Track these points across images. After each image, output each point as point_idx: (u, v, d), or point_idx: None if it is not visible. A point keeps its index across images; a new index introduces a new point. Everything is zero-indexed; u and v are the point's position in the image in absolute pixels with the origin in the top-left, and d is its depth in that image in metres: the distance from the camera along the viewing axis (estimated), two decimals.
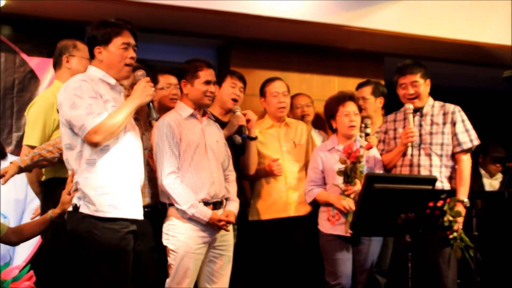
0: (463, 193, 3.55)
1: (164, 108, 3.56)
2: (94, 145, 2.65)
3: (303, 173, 3.91)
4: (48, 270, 3.41)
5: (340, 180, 3.57)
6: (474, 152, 3.73)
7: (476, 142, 3.65)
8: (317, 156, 3.75)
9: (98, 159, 2.69)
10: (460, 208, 3.45)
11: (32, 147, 3.26)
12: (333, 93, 4.10)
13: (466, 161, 3.63)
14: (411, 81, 3.68)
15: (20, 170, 3.08)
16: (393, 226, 3.10)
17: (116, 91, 2.86)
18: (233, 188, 3.44)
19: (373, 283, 3.80)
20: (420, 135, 3.66)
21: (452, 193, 3.53)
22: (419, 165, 3.62)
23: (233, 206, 3.37)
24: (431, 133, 3.65)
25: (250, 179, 3.95)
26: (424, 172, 3.60)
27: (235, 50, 4.93)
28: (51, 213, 2.90)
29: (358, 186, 3.51)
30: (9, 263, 4.21)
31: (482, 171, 5.26)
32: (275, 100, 3.95)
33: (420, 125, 3.69)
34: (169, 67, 3.91)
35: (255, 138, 3.77)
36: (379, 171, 3.74)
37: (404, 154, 3.68)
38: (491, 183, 5.22)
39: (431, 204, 3.13)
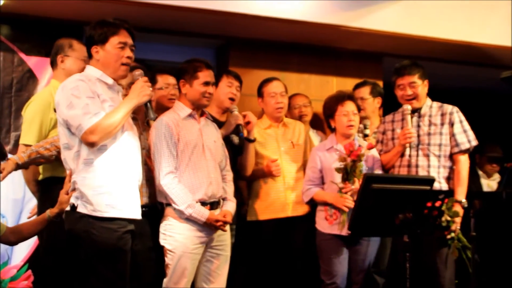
0: (461, 194, 3.56)
1: (162, 108, 3.56)
2: (91, 145, 2.66)
3: (301, 173, 3.91)
4: (45, 270, 3.41)
5: (338, 178, 3.57)
6: (471, 153, 3.74)
7: (474, 142, 3.65)
8: (315, 155, 3.76)
9: (96, 158, 2.69)
10: (458, 208, 3.45)
11: (29, 146, 3.26)
12: (331, 93, 4.09)
13: (464, 161, 3.63)
14: (409, 82, 3.68)
15: (18, 167, 3.08)
16: (391, 226, 3.10)
17: (114, 90, 2.86)
18: (230, 188, 3.44)
19: (371, 283, 3.80)
20: (418, 135, 3.67)
21: (450, 193, 3.53)
22: (417, 166, 3.63)
23: (230, 206, 3.37)
24: (429, 134, 3.66)
25: (246, 180, 3.96)
26: (422, 172, 3.60)
27: (233, 50, 4.93)
28: (49, 212, 2.90)
29: (356, 184, 3.51)
30: (7, 263, 4.21)
31: (480, 172, 5.26)
32: (273, 100, 3.96)
33: (418, 126, 3.69)
34: (168, 67, 3.91)
35: (253, 140, 3.77)
36: (378, 170, 3.74)
37: (402, 155, 3.68)
38: (489, 184, 5.22)
39: (429, 204, 3.14)
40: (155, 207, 3.27)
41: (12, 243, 3.04)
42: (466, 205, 3.50)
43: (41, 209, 3.33)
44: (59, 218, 2.85)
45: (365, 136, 4.10)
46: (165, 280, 3.20)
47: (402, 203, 3.07)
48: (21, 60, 4.38)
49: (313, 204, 3.78)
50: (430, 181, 3.20)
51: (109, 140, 2.71)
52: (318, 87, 5.11)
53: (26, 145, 3.31)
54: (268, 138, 3.96)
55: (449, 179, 3.64)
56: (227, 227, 3.31)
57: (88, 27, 2.85)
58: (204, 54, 4.62)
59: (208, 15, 4.32)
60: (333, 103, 3.73)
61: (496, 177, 5.26)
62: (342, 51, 5.19)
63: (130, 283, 2.78)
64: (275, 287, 3.80)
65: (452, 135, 3.64)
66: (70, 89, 2.69)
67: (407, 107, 3.69)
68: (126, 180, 2.78)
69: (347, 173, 3.53)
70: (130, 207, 2.79)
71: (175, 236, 3.18)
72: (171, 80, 3.70)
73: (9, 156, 3.10)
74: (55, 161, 3.16)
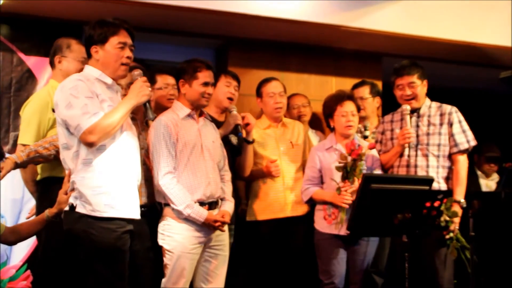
0: (460, 194, 3.56)
1: (161, 108, 3.57)
2: (90, 145, 2.66)
3: (301, 173, 3.91)
4: (43, 269, 3.41)
5: (338, 177, 3.57)
6: (470, 153, 3.74)
7: (473, 143, 3.66)
8: (314, 155, 3.76)
9: (95, 158, 2.69)
10: (456, 208, 3.45)
11: (27, 146, 3.25)
12: (330, 93, 4.08)
13: (462, 161, 3.64)
14: (408, 82, 3.68)
15: (16, 166, 3.08)
16: (390, 226, 3.11)
17: (113, 90, 2.86)
18: (228, 188, 3.44)
19: (370, 283, 3.80)
20: (417, 136, 3.67)
21: (449, 193, 3.53)
22: (416, 166, 3.63)
23: (228, 206, 3.37)
24: (428, 134, 3.66)
25: (245, 180, 3.96)
26: (421, 172, 3.61)
27: (233, 50, 4.93)
28: (48, 212, 2.90)
29: (356, 184, 3.50)
30: (6, 263, 4.21)
31: (479, 172, 5.26)
32: (272, 100, 3.96)
33: (417, 126, 3.69)
34: (167, 67, 3.91)
35: (252, 142, 3.77)
36: (378, 170, 3.74)
37: (401, 155, 3.68)
38: (488, 184, 5.22)
39: (428, 204, 3.14)
40: (154, 207, 3.27)
41: (11, 243, 3.04)
42: (465, 205, 3.51)
43: (39, 209, 3.33)
44: (58, 218, 2.85)
45: (365, 137, 4.10)
46: (163, 280, 3.20)
47: (401, 203, 3.07)
48: (20, 60, 4.38)
49: (312, 203, 3.78)
50: (429, 181, 3.20)
51: (108, 140, 2.71)
52: (317, 87, 5.11)
53: (24, 145, 3.31)
54: (267, 138, 3.96)
55: (448, 179, 3.64)
56: (226, 227, 3.31)
57: (88, 27, 2.85)
58: (203, 54, 4.61)
59: (207, 15, 4.32)
60: (332, 103, 3.73)
61: (495, 177, 5.27)
62: (342, 51, 5.19)
63: (129, 283, 2.78)
64: (274, 287, 3.80)
65: (451, 135, 3.64)
66: (69, 89, 2.69)
67: (406, 107, 3.69)
68: (125, 180, 2.78)
69: (347, 172, 3.52)
70: (129, 207, 2.79)
71: (174, 236, 3.18)
72: (170, 80, 3.70)
73: (8, 155, 3.10)
74: (54, 160, 3.16)
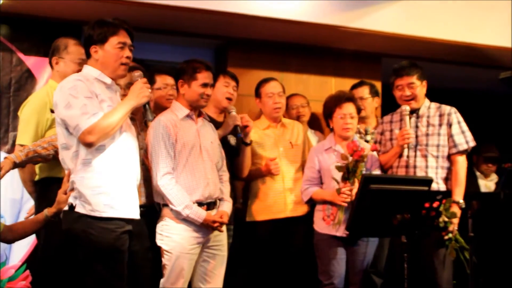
0: (459, 194, 3.57)
1: (160, 108, 3.56)
2: (88, 145, 2.66)
3: (300, 174, 3.91)
4: (42, 269, 3.41)
5: (338, 176, 3.56)
6: (468, 153, 3.74)
7: (472, 143, 3.66)
8: (313, 155, 3.76)
9: (94, 158, 2.69)
10: (455, 209, 3.46)
11: (25, 147, 3.25)
12: (330, 93, 4.08)
13: (461, 162, 3.64)
14: (408, 82, 3.68)
15: (15, 165, 3.08)
16: (389, 227, 3.11)
17: (112, 90, 2.86)
18: (226, 189, 3.44)
19: (369, 283, 3.80)
20: (416, 136, 3.67)
21: (448, 194, 3.53)
22: (415, 167, 3.63)
23: (227, 207, 3.37)
24: (427, 135, 3.66)
25: (244, 180, 3.96)
26: (420, 173, 3.61)
27: (232, 51, 4.93)
28: (47, 212, 2.90)
29: (356, 185, 3.48)
30: (5, 263, 4.21)
31: (477, 172, 5.26)
32: (271, 100, 3.96)
33: (416, 127, 3.69)
34: (166, 68, 3.91)
35: (249, 144, 3.77)
36: (377, 170, 3.74)
37: (400, 156, 3.68)
38: (487, 185, 5.22)
39: (427, 205, 3.14)
40: (153, 207, 3.27)
41: (9, 241, 3.04)
42: (463, 206, 3.52)
43: (38, 209, 3.33)
44: (57, 217, 2.86)
45: (366, 141, 4.09)
46: (162, 280, 3.20)
47: (400, 203, 3.07)
48: (19, 60, 4.38)
49: (312, 203, 3.78)
50: (428, 181, 3.20)
51: (108, 140, 2.71)
52: (317, 88, 5.11)
53: (22, 145, 3.30)
54: (266, 138, 3.96)
55: (447, 179, 3.64)
56: (224, 228, 3.31)
57: (87, 27, 2.85)
58: (202, 54, 4.62)
59: (206, 15, 4.32)
60: (331, 105, 3.73)
61: (494, 177, 5.27)
62: (341, 52, 5.19)
63: (128, 283, 2.78)
64: (274, 287, 3.80)
65: (450, 136, 3.64)
66: (68, 89, 2.69)
67: (406, 108, 3.69)
68: (125, 180, 2.78)
69: (348, 173, 3.52)
70: (129, 207, 2.79)
71: (172, 237, 3.18)
72: (170, 80, 3.70)
73: (6, 155, 3.10)
74: (52, 160, 3.16)
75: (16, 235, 2.98)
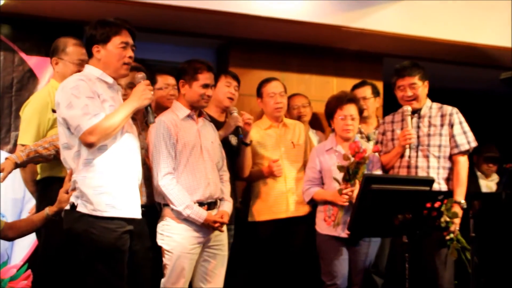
0: (460, 194, 3.56)
1: (161, 108, 3.57)
2: (89, 145, 2.66)
3: (302, 174, 3.90)
4: (43, 268, 3.41)
5: (339, 176, 3.56)
6: (470, 154, 3.74)
7: (474, 144, 3.65)
8: (315, 156, 3.76)
9: (96, 158, 2.69)
10: (457, 209, 3.45)
11: (27, 146, 3.25)
12: (331, 93, 4.10)
13: (463, 162, 3.63)
14: (410, 83, 3.68)
15: (16, 166, 3.08)
16: (390, 227, 3.11)
17: (114, 90, 2.86)
18: (226, 188, 3.44)
19: (370, 283, 3.80)
20: (418, 136, 3.66)
21: (449, 194, 3.53)
22: (416, 167, 3.63)
23: (227, 207, 3.37)
24: (429, 135, 3.66)
25: (245, 180, 3.97)
26: (421, 173, 3.60)
27: (234, 51, 4.94)
28: (48, 210, 2.90)
29: (357, 186, 3.48)
30: (6, 262, 4.22)
31: (478, 173, 5.26)
32: (272, 100, 3.95)
33: (418, 127, 3.69)
34: (167, 68, 3.92)
35: (249, 144, 3.77)
36: (378, 170, 3.74)
37: (402, 156, 3.68)
38: (488, 185, 5.22)
39: (428, 205, 3.14)
40: (154, 207, 3.27)
41: (10, 239, 3.04)
42: (465, 206, 3.52)
43: (39, 208, 3.32)
44: (58, 216, 2.86)
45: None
46: (163, 280, 3.20)
47: (402, 203, 3.07)
48: (21, 60, 4.39)
49: (314, 204, 3.78)
50: (429, 182, 3.20)
51: (110, 140, 2.71)
52: (318, 88, 5.12)
53: (24, 145, 3.29)
54: (268, 138, 3.96)
55: (448, 180, 3.64)
56: (224, 227, 3.31)
57: (89, 26, 2.84)
58: (204, 54, 4.62)
59: (208, 15, 4.33)
60: (332, 105, 3.73)
61: (495, 177, 5.27)
62: (343, 52, 5.19)
63: (129, 283, 2.79)
64: (277, 287, 3.80)
65: (452, 136, 3.64)
66: (70, 88, 2.69)
67: (407, 108, 3.68)
68: (127, 180, 2.78)
69: (349, 174, 3.52)
70: (130, 207, 2.79)
71: (173, 237, 3.19)
72: (171, 80, 3.70)
73: (8, 155, 3.10)
74: (53, 160, 3.16)
75: (17, 232, 2.99)
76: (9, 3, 4.10)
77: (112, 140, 2.73)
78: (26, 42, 4.40)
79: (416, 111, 3.71)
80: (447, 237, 3.43)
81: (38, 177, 3.45)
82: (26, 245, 4.17)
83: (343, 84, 5.01)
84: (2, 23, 4.34)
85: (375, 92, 4.43)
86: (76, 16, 4.29)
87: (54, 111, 3.25)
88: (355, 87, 4.47)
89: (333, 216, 3.60)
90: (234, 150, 3.79)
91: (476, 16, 5.03)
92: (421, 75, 3.70)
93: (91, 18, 2.94)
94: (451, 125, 3.64)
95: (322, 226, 3.66)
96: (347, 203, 3.50)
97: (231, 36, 4.86)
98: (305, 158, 3.97)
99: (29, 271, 4.21)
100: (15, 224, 3.06)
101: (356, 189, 3.45)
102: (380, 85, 4.99)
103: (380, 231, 3.32)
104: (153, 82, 3.32)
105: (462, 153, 3.63)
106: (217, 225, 3.22)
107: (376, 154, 3.79)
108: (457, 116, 3.67)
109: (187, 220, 3.18)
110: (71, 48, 3.48)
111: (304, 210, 3.87)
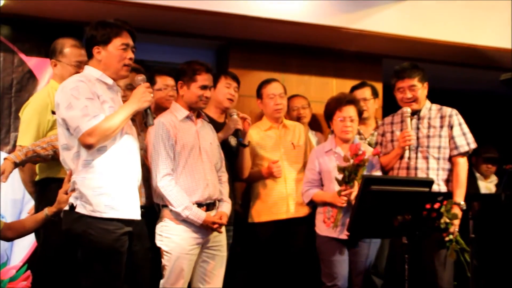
0: (460, 196, 3.56)
1: (160, 108, 3.57)
2: (88, 147, 2.66)
3: (302, 175, 3.90)
4: (42, 269, 3.41)
5: (341, 176, 3.56)
6: (469, 155, 3.74)
7: (473, 145, 3.66)
8: (314, 157, 3.76)
9: (96, 159, 2.69)
10: (456, 210, 3.45)
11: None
12: (331, 95, 4.10)
13: (463, 164, 3.64)
14: (409, 85, 3.68)
15: (15, 165, 3.08)
16: (389, 228, 3.11)
17: (114, 91, 2.86)
18: (225, 189, 3.45)
19: (370, 284, 3.80)
20: (418, 138, 3.67)
21: (449, 195, 3.53)
22: (416, 168, 3.63)
23: (226, 208, 3.38)
24: (428, 136, 3.66)
25: (245, 181, 3.97)
26: (421, 175, 3.61)
27: (234, 52, 4.94)
28: (47, 211, 2.91)
29: (356, 188, 3.49)
30: (6, 263, 4.21)
31: (477, 174, 5.26)
32: (272, 102, 3.96)
33: (418, 128, 3.69)
34: (167, 68, 3.91)
35: (247, 145, 3.77)
36: (378, 172, 3.74)
37: (402, 157, 3.68)
38: (487, 186, 5.22)
39: (427, 206, 3.15)
40: (153, 208, 3.28)
41: (9, 239, 3.05)
42: (464, 207, 3.52)
43: (38, 209, 3.33)
44: (57, 217, 2.86)
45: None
46: (162, 281, 3.20)
47: (401, 205, 3.07)
48: (21, 61, 4.39)
49: (314, 205, 3.78)
50: (428, 183, 3.21)
51: (109, 141, 2.71)
52: (318, 89, 5.12)
53: (22, 147, 3.30)
54: (268, 139, 3.96)
55: (448, 181, 3.64)
56: (223, 228, 3.32)
57: (89, 27, 2.84)
58: (204, 55, 4.63)
59: (208, 16, 4.33)
60: (332, 107, 3.73)
61: (493, 178, 5.26)
62: (342, 53, 5.19)
63: (128, 284, 2.79)
64: None
65: (451, 137, 3.64)
66: (70, 89, 2.69)
67: (407, 110, 3.69)
68: (126, 181, 2.78)
69: (348, 176, 3.52)
70: (130, 208, 2.79)
71: (172, 238, 3.19)
72: (170, 81, 3.70)
73: (6, 155, 3.10)
74: (52, 161, 3.16)
75: (16, 233, 2.99)
76: (9, 4, 4.10)
77: (111, 141, 2.73)
78: (25, 43, 4.40)
79: (415, 113, 3.71)
80: (447, 238, 3.43)
81: (37, 178, 3.46)
82: (25, 245, 4.17)
83: (343, 85, 5.01)
84: (2, 24, 4.34)
85: (375, 93, 4.44)
86: (76, 17, 4.30)
87: (53, 112, 3.25)
88: (355, 88, 4.47)
89: (332, 218, 3.60)
90: (234, 151, 3.79)
91: (476, 17, 5.03)
92: (420, 76, 3.70)
93: (91, 19, 2.94)
94: (451, 127, 3.65)
95: (322, 228, 3.66)
96: (345, 205, 3.50)
97: (231, 37, 4.86)
98: (305, 159, 3.97)
99: (29, 271, 4.21)
100: (14, 224, 3.06)
101: (355, 190, 3.45)
102: (379, 86, 4.99)
103: (380, 232, 3.32)
104: (152, 82, 3.33)
105: (462, 154, 3.64)
106: (215, 226, 3.22)
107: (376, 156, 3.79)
108: (457, 118, 3.67)
109: (186, 221, 3.18)
110: (69, 49, 3.47)
111: (304, 211, 3.87)
